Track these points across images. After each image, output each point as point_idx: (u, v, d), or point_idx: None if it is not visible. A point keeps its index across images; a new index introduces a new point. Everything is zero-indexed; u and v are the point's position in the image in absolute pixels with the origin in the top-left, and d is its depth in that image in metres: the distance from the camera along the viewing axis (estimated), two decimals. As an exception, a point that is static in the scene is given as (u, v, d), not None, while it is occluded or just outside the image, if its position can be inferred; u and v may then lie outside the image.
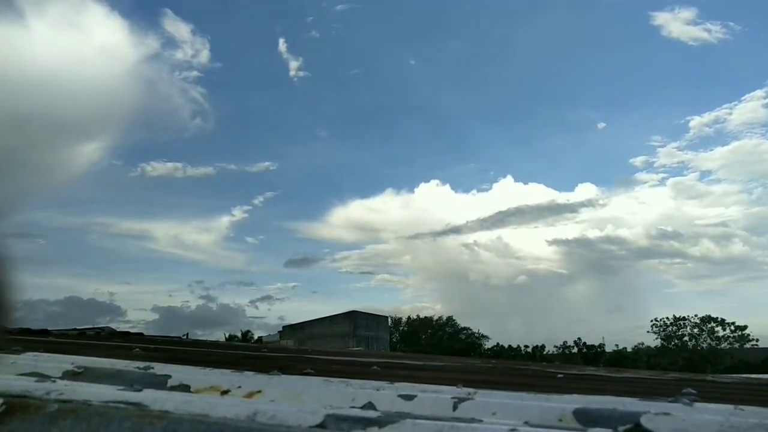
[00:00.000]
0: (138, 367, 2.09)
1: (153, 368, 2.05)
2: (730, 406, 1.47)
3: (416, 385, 1.86)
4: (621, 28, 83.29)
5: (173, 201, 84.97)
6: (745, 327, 53.14)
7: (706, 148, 70.93)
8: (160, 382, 1.82)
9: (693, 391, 2.12)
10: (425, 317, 66.02)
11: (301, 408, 1.21)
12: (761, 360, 48.94)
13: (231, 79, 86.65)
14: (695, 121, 68.36)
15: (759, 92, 64.37)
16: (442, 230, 73.03)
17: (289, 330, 51.48)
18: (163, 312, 66.27)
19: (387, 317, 58.22)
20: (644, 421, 1.29)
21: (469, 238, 73.76)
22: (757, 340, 52.98)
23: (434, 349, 53.07)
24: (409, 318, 65.96)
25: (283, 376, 2.02)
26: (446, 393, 1.63)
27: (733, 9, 74.47)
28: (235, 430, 0.99)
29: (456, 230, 72.09)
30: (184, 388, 1.76)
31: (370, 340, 48.36)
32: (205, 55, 68.20)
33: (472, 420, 1.26)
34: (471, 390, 1.75)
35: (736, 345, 53.42)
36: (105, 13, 59.83)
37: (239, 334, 58.47)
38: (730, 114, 66.49)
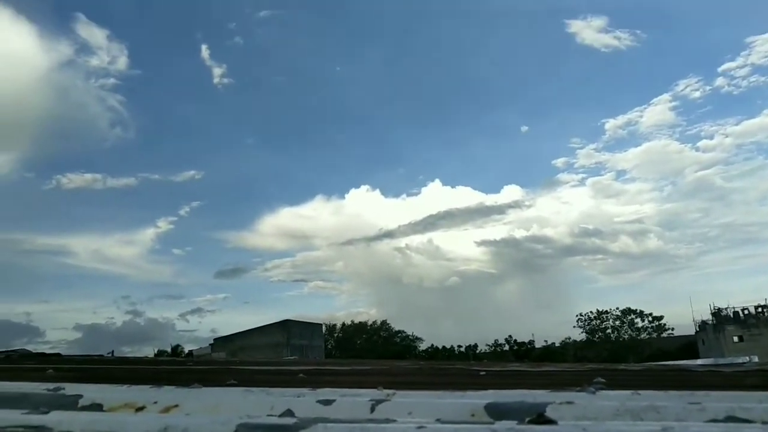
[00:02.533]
0: (47, 389, 1.99)
1: (63, 389, 1.96)
2: (629, 392, 1.57)
3: (337, 389, 1.87)
4: (540, 35, 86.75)
5: (93, 214, 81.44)
6: (662, 317, 56.38)
7: (621, 149, 75.04)
8: (70, 403, 1.74)
9: (602, 380, 2.24)
10: (360, 322, 66.13)
11: (214, 419, 1.20)
12: (676, 348, 52.01)
13: (151, 86, 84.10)
14: (610, 124, 72.22)
15: (665, 96, 68.82)
16: (375, 235, 73.51)
17: (221, 342, 50.19)
18: (86, 330, 63.17)
19: (321, 325, 57.86)
20: (549, 411, 1.36)
21: (401, 242, 74.50)
22: (673, 329, 56.29)
23: (369, 353, 53.21)
24: (343, 324, 65.90)
25: (203, 388, 1.98)
26: (365, 396, 1.65)
27: (640, 18, 79.27)
28: (141, 447, 0.97)
29: (389, 235, 72.80)
30: (96, 407, 1.70)
31: (304, 348, 47.86)
32: (123, 62, 65.79)
33: (387, 420, 1.29)
34: (390, 392, 1.78)
35: (654, 335, 56.54)
36: (10, 17, 56.45)
37: (169, 349, 56.53)
38: (641, 116, 70.66)
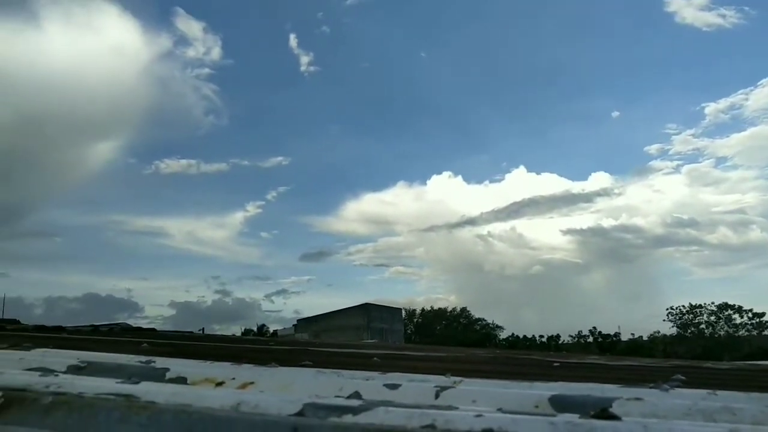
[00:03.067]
0: (140, 362, 2.16)
1: (154, 362, 2.12)
2: (705, 391, 1.51)
3: (406, 374, 1.92)
4: (634, 15, 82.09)
5: (187, 197, 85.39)
6: (764, 314, 52.64)
7: (722, 135, 69.91)
8: (158, 375, 1.89)
9: (681, 378, 2.16)
10: (439, 308, 66.12)
11: (284, 398, 1.27)
12: (779, 347, 48.49)
13: (243, 75, 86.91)
14: (711, 108, 67.35)
15: (776, 77, 63.29)
16: (457, 222, 72.86)
17: (304, 323, 51.77)
18: (179, 307, 66.85)
19: (401, 309, 58.36)
20: (615, 406, 1.33)
21: (483, 229, 73.60)
22: (776, 327, 52.49)
23: (449, 340, 53.15)
24: (423, 309, 66.14)
25: (279, 368, 2.08)
26: (431, 382, 1.69)
27: (748, -8, 73.14)
28: (214, 420, 1.05)
29: (471, 222, 71.90)
30: (181, 380, 1.83)
31: (384, 332, 48.52)
32: (216, 53, 68.36)
33: (449, 407, 1.32)
34: (457, 379, 1.80)
35: (754, 332, 52.97)
36: (117, 13, 60.09)
37: (255, 328, 59.02)
38: (747, 100, 65.43)
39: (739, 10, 59.44)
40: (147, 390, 1.37)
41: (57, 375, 1.70)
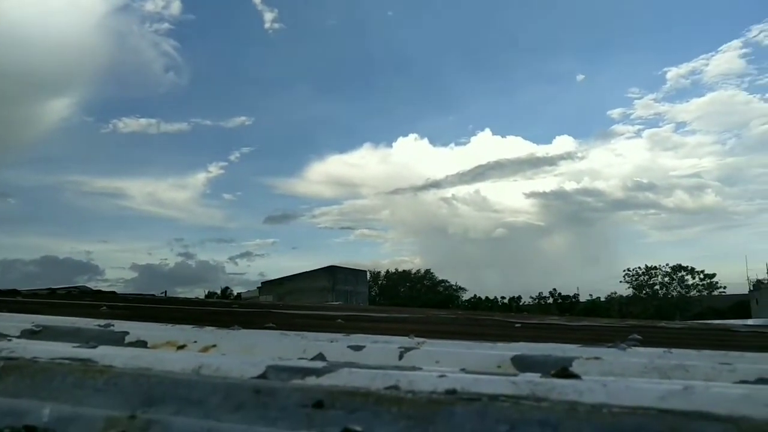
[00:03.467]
0: (98, 325, 2.12)
1: (113, 326, 2.08)
2: (660, 350, 1.56)
3: (369, 336, 1.92)
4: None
5: (147, 158, 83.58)
6: (714, 275, 54.93)
7: (682, 100, 71.42)
8: (117, 339, 1.85)
9: (638, 337, 2.23)
10: (404, 271, 66.92)
11: (246, 360, 1.25)
12: (728, 306, 50.73)
13: (204, 31, 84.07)
14: (672, 73, 68.61)
15: (736, 42, 64.54)
16: (422, 185, 73.36)
17: (268, 286, 51.73)
18: (141, 270, 66.04)
19: (366, 271, 58.77)
20: (575, 365, 1.36)
21: (448, 192, 74.22)
22: (725, 288, 54.83)
23: (412, 301, 53.96)
24: (387, 272, 66.82)
25: (242, 330, 2.07)
26: (395, 343, 1.69)
27: (711, -43, 73.80)
28: (175, 383, 1.03)
29: (436, 185, 72.54)
30: (141, 344, 1.80)
31: (349, 294, 48.86)
32: (176, 7, 66.10)
33: (412, 368, 1.32)
34: (421, 340, 1.82)
35: (705, 293, 55.24)
36: (67, -38, 57.22)
37: (219, 291, 58.76)
38: (707, 65, 66.78)
39: (703, -26, 60.04)
40: (105, 354, 1.33)
41: (10, 340, 1.64)
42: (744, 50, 64.41)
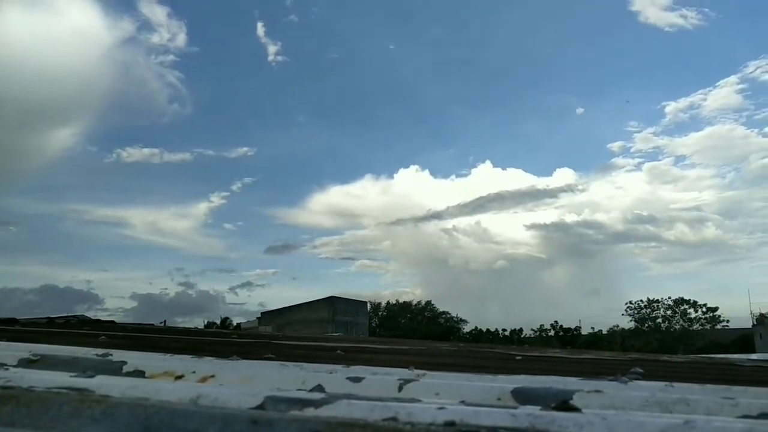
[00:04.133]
0: (96, 354, 2.10)
1: (111, 355, 2.07)
2: (662, 383, 1.55)
3: (369, 368, 1.91)
4: (599, 14, 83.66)
5: (150, 187, 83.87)
6: (716, 309, 54.47)
7: (681, 134, 72.04)
8: (115, 369, 1.84)
9: (640, 371, 2.21)
10: (404, 302, 66.52)
11: (244, 391, 1.24)
12: (731, 340, 50.26)
13: (208, 63, 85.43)
14: (671, 107, 69.29)
15: (733, 78, 65.32)
16: (423, 216, 73.31)
17: (268, 316, 51.36)
18: (141, 299, 65.63)
19: (366, 302, 58.39)
20: (576, 398, 1.35)
21: (449, 223, 74.26)
22: (728, 321, 54.34)
23: (413, 333, 53.50)
24: (388, 303, 66.41)
25: (241, 360, 2.05)
26: (394, 375, 1.68)
27: (709, -5, 75.08)
28: (172, 413, 1.02)
29: (437, 216, 72.50)
30: (139, 374, 1.78)
31: (349, 325, 48.49)
32: (182, 39, 67.08)
33: (412, 400, 1.31)
34: (421, 372, 1.80)
35: (708, 326, 54.72)
36: (76, -5, 58.40)
37: (218, 321, 58.34)
38: (705, 100, 67.50)
39: (700, 11, 61.20)
40: (102, 383, 1.33)
41: (7, 368, 1.63)
42: (741, 86, 65.15)
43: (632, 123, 72.65)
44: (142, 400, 1.10)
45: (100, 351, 2.19)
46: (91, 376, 1.49)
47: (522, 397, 1.41)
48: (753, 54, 69.50)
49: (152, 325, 7.26)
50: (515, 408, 1.29)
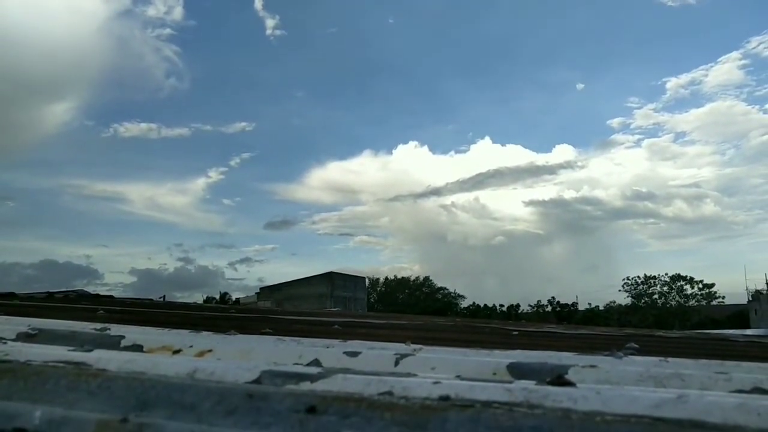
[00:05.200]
0: (95, 329, 2.11)
1: (109, 330, 2.08)
2: (657, 359, 1.56)
3: (366, 342, 1.92)
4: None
5: (148, 162, 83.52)
6: (713, 285, 54.87)
7: (682, 110, 71.68)
8: (113, 343, 1.85)
9: (635, 346, 2.22)
10: (402, 278, 66.79)
11: (241, 365, 1.25)
12: (727, 316, 50.69)
13: (206, 37, 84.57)
14: (672, 83, 68.87)
15: (735, 54, 64.85)
16: (422, 192, 73.45)
17: (267, 291, 51.57)
18: (140, 275, 65.91)
19: (364, 278, 58.58)
20: (571, 373, 1.36)
21: (448, 199, 74.28)
22: (723, 297, 54.76)
23: (411, 308, 53.87)
24: (386, 278, 66.70)
25: (238, 335, 2.06)
26: (391, 350, 1.69)
27: (712, -31, 74.12)
28: (168, 387, 1.02)
29: (436, 192, 72.55)
30: (137, 348, 1.79)
31: (347, 300, 48.76)
32: (178, 12, 66.26)
33: (408, 375, 1.32)
34: (417, 347, 1.81)
35: (704, 302, 55.18)
36: (70, -33, 57.45)
37: (217, 296, 58.65)
38: (706, 75, 67.08)
39: (704, -15, 60.39)
40: (99, 357, 1.33)
41: (5, 342, 1.64)
42: (743, 61, 64.72)
43: (633, 99, 72.32)
44: (138, 374, 1.11)
45: (98, 325, 2.20)
46: (89, 350, 1.50)
47: (517, 372, 1.42)
48: (756, 29, 68.68)
49: (151, 300, 7.29)
50: (510, 383, 1.30)
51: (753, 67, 68.49)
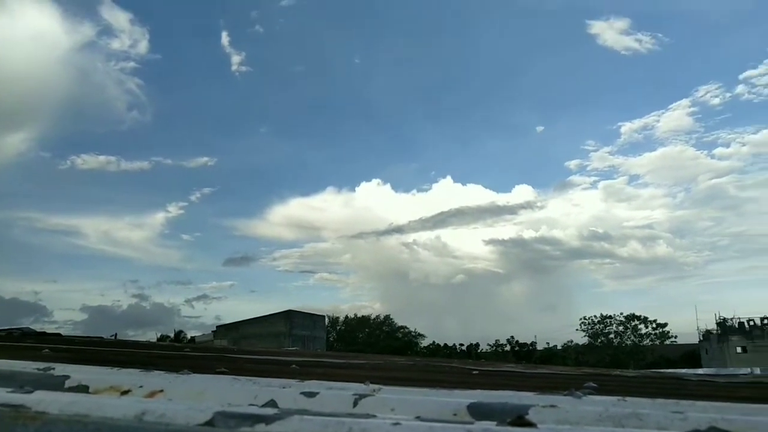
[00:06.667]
0: (37, 369, 2.01)
1: (53, 369, 1.98)
2: (615, 398, 1.56)
3: (324, 382, 1.87)
4: (560, 35, 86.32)
5: (105, 196, 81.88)
6: (665, 324, 56.18)
7: (636, 153, 74.83)
8: (57, 384, 1.75)
9: (593, 385, 2.23)
10: (363, 316, 66.27)
11: (192, 406, 1.20)
12: (679, 356, 51.80)
13: (170, 71, 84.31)
14: (626, 127, 71.89)
15: (685, 101, 68.31)
16: (384, 230, 73.59)
17: (224, 330, 50.36)
18: (92, 312, 63.61)
19: (324, 316, 57.85)
20: (531, 413, 1.34)
21: (410, 237, 74.64)
22: (676, 337, 56.06)
23: (370, 348, 53.33)
24: (347, 317, 66.02)
25: (192, 375, 1.99)
26: (350, 390, 1.65)
27: (663, 21, 78.64)
28: (114, 429, 0.97)
29: (398, 230, 72.89)
30: (82, 389, 1.70)
31: (306, 339, 47.95)
32: (143, 46, 66.07)
33: (367, 416, 1.28)
34: (376, 387, 1.78)
35: (657, 342, 56.33)
36: (33, -3, 56.77)
37: (172, 334, 56.92)
38: (658, 121, 70.26)
39: (654, 36, 63.76)
40: (40, 399, 1.26)
41: (-62, 383, 1.54)
42: (692, 108, 68.18)
43: (589, 142, 75.04)
44: (82, 417, 1.05)
45: (42, 365, 2.09)
46: (29, 392, 1.42)
47: (477, 412, 1.40)
48: (703, 79, 72.61)
49: (101, 338, 7.01)
50: (471, 423, 1.28)
51: (701, 114, 72.12)
